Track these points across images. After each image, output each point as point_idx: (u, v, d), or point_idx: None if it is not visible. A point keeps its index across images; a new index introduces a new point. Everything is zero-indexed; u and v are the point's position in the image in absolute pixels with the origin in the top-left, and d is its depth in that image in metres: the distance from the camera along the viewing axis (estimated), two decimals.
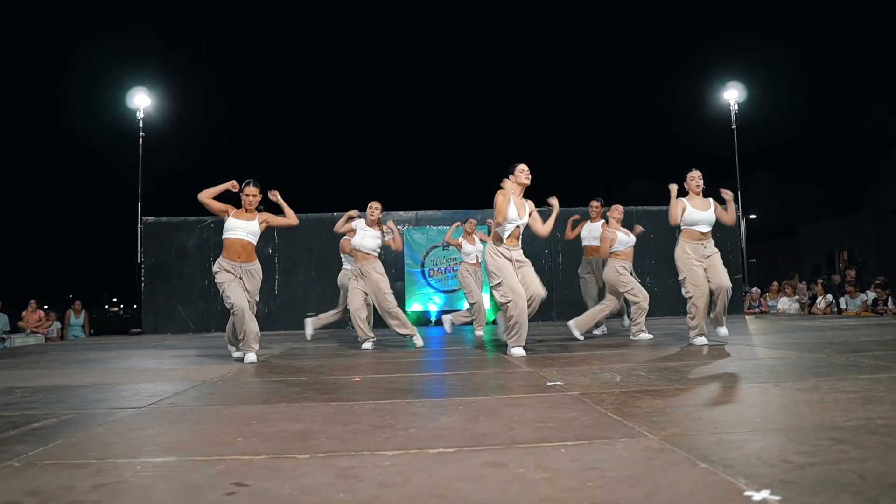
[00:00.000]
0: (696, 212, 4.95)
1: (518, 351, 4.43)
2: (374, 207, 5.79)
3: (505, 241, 4.58)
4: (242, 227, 4.68)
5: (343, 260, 7.05)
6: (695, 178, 5.05)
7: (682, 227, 5.02)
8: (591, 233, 6.60)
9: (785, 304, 10.54)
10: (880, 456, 1.57)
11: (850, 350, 4.14)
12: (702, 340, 4.87)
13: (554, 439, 1.89)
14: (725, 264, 10.60)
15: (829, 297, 10.19)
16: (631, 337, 5.81)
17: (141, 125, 10.30)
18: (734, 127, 11.10)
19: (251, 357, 4.59)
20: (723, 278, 4.86)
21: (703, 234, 4.98)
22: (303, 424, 2.29)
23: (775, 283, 11.12)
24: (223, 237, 4.72)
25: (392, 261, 10.97)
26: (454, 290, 10.66)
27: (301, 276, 10.33)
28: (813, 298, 10.34)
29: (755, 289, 11.14)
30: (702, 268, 4.89)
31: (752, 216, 28.36)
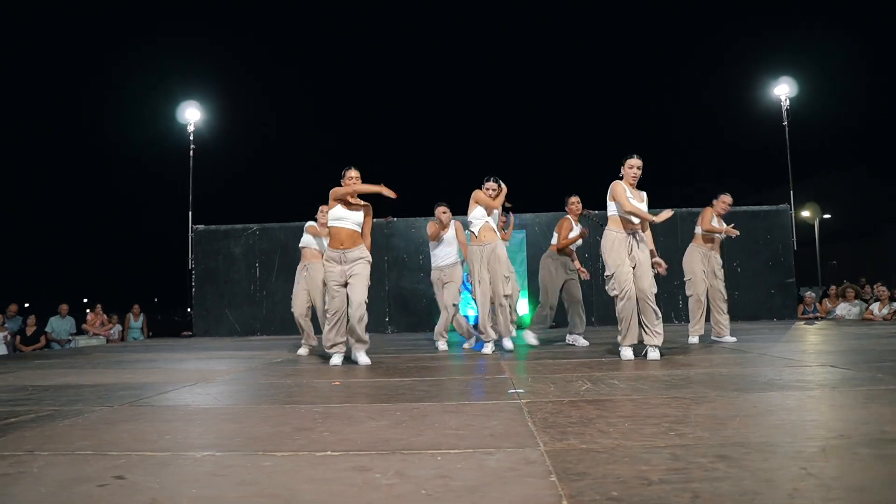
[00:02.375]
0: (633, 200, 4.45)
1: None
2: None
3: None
4: (348, 217, 4.67)
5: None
6: (634, 166, 4.49)
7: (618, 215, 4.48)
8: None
9: (844, 309, 9.88)
10: (744, 478, 1.49)
11: (864, 360, 3.87)
12: (628, 354, 4.36)
13: (444, 447, 1.90)
14: (777, 265, 10.23)
15: (895, 304, 9.47)
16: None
17: (191, 138, 10.89)
18: (785, 123, 10.53)
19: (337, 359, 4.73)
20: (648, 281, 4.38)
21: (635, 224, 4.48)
22: (237, 425, 2.40)
23: (833, 288, 10.43)
24: (329, 226, 4.72)
25: (431, 265, 11.08)
26: None
27: None
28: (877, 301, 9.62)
29: (810, 293, 10.50)
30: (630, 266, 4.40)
31: (826, 216, 26.70)
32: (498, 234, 5.42)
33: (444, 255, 6.10)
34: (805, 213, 25.72)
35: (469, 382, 3.51)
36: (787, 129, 10.50)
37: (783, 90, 10.49)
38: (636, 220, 4.45)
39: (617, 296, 4.36)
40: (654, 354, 4.32)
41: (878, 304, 9.32)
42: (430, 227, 6.13)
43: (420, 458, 1.77)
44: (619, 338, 4.45)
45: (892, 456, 1.66)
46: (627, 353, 4.38)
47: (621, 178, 4.55)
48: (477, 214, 5.34)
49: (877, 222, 31.09)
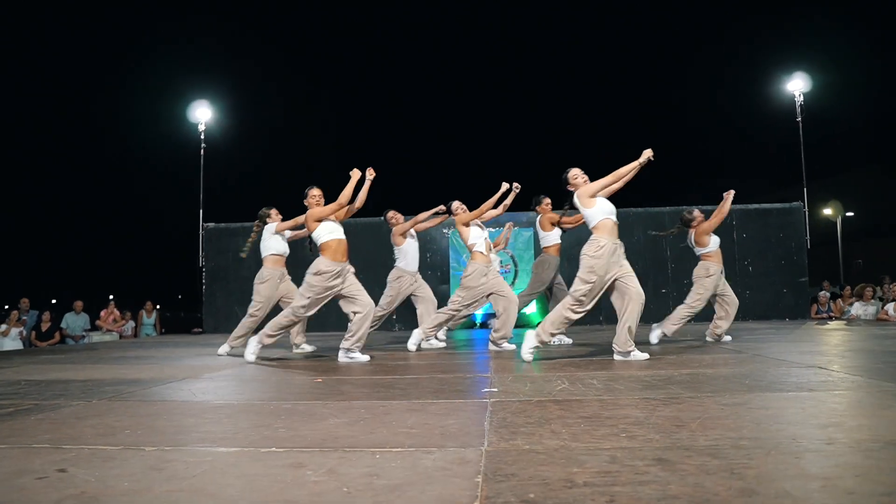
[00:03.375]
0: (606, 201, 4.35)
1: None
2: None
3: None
4: (340, 227, 4.77)
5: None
6: (578, 175, 4.46)
7: (600, 220, 4.27)
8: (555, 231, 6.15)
9: (859, 308, 9.65)
10: (671, 482, 1.47)
11: (857, 363, 3.77)
12: (643, 355, 4.33)
13: (389, 445, 1.89)
14: (790, 264, 10.03)
15: None
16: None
17: (202, 137, 11.02)
18: (799, 119, 10.31)
19: (250, 354, 4.89)
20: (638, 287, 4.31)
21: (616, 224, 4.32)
22: (199, 421, 2.42)
23: (848, 288, 10.20)
24: (324, 241, 4.67)
25: (438, 263, 11.09)
26: None
27: None
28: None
29: (824, 292, 10.28)
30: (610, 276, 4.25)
31: (849, 214, 26.11)
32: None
33: (415, 260, 6.35)
34: (827, 211, 25.21)
35: (448, 381, 3.50)
36: (800, 125, 10.29)
37: (797, 85, 10.27)
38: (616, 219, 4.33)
39: (582, 301, 4.23)
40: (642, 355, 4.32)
41: (892, 304, 9.09)
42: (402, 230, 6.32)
43: (358, 456, 1.77)
44: (549, 335, 4.36)
45: (840, 463, 1.61)
46: (528, 354, 4.34)
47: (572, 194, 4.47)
48: (475, 234, 5.54)
49: None
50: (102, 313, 10.74)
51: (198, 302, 11.39)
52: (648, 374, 3.53)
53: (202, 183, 10.99)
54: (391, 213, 6.42)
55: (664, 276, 10.32)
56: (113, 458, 1.83)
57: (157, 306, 13.46)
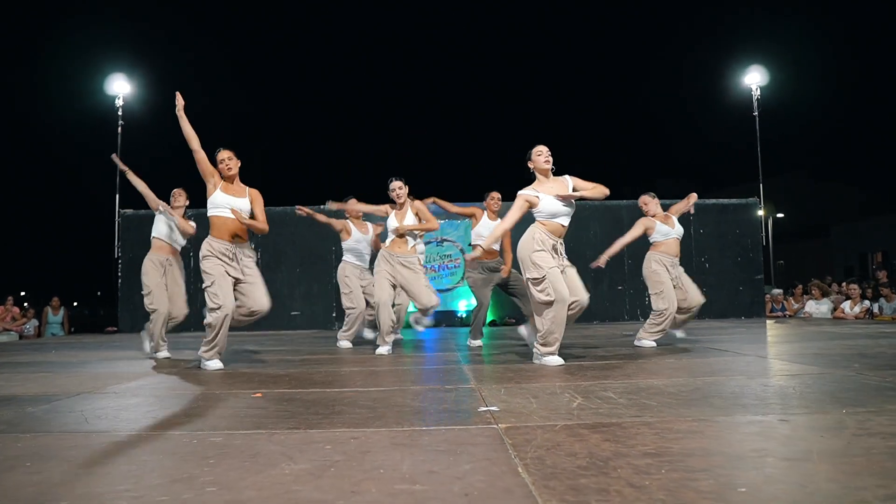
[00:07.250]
0: (552, 200, 3.80)
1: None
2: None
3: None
4: (234, 204, 3.98)
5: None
6: (542, 153, 3.90)
7: (541, 221, 3.88)
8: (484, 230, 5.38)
9: (812, 307, 9.58)
10: None
11: (887, 365, 3.32)
12: (557, 360, 3.76)
13: None
14: (745, 263, 9.85)
15: (866, 302, 9.21)
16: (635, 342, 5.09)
17: (120, 113, 9.78)
18: (756, 114, 10.15)
19: (216, 364, 3.96)
20: (582, 292, 3.80)
21: (564, 227, 3.88)
22: (79, 472, 1.60)
23: (800, 286, 10.15)
24: (210, 213, 3.99)
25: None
26: (449, 289, 9.98)
27: (285, 273, 9.75)
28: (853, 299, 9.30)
29: (777, 290, 10.19)
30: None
31: (780, 215, 27.07)
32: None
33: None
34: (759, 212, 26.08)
35: (426, 395, 2.78)
36: (757, 119, 10.12)
37: (754, 79, 10.08)
38: (566, 223, 3.88)
39: (552, 301, 3.67)
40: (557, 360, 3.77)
41: (849, 302, 9.04)
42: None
43: None
44: (543, 346, 3.79)
45: None
46: (556, 359, 3.76)
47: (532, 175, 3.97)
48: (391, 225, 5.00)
49: (823, 222, 31.82)
50: None
51: (113, 297, 10.16)
52: (667, 383, 2.93)
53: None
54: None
55: (621, 272, 9.95)
56: None
57: (72, 303, 12.05)
